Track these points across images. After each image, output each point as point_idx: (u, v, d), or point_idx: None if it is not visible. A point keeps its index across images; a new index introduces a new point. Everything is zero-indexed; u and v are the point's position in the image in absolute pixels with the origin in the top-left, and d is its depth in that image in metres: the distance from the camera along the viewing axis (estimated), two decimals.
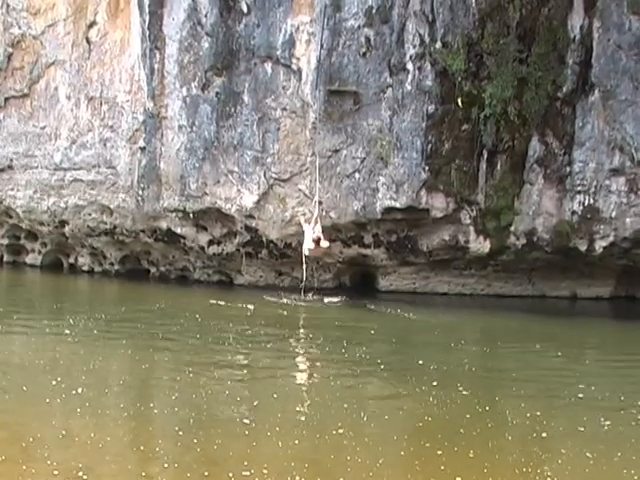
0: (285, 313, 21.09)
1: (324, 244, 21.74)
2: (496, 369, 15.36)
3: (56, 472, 8.32)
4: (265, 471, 8.63)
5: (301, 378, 14.07)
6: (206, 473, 8.47)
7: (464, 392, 12.72)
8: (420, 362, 14.97)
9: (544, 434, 10.49)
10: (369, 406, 12.00)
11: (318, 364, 15.47)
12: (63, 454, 8.94)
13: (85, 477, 8.24)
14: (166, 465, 8.70)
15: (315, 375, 14.32)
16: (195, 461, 8.90)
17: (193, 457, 9.02)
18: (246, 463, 8.80)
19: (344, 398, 12.22)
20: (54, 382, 12.22)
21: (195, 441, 9.57)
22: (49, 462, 8.64)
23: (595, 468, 9.20)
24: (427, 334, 18.58)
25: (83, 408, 10.76)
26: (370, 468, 8.85)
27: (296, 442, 9.92)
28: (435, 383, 13.24)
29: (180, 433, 9.87)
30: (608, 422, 11.06)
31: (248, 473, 8.49)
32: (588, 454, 9.65)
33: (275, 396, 12.29)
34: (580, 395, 12.79)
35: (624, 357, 16.80)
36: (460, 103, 22.79)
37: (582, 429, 10.82)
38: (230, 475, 8.41)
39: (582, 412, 11.72)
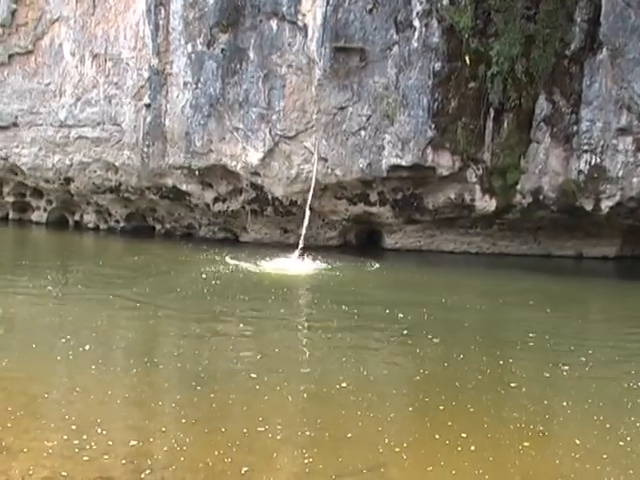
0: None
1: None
2: (478, 322, 15.63)
3: (74, 427, 8.41)
4: (279, 427, 8.74)
5: (295, 333, 14.14)
6: (223, 429, 8.58)
7: (435, 340, 13.08)
8: (401, 315, 15.17)
9: (519, 384, 10.79)
10: (365, 359, 12.13)
11: (306, 319, 15.71)
12: (79, 410, 9.00)
13: (104, 432, 8.33)
14: (184, 420, 8.82)
15: (306, 330, 14.49)
16: (212, 416, 8.99)
17: (209, 412, 9.10)
18: (261, 418, 8.91)
19: (339, 351, 12.40)
20: (63, 340, 12.22)
21: (212, 396, 9.68)
22: (67, 417, 8.72)
23: (573, 416, 9.54)
24: (426, 291, 18.65)
25: (96, 365, 10.82)
26: (380, 423, 8.95)
27: (304, 396, 10.05)
28: (406, 332, 13.73)
29: (198, 388, 9.98)
30: (566, 367, 11.66)
31: (263, 429, 8.60)
32: (564, 403, 10.01)
33: (276, 350, 12.47)
34: (531, 344, 13.29)
35: (612, 314, 17.04)
36: (468, 60, 22.65)
37: (547, 375, 11.34)
38: (245, 431, 8.53)
39: (544, 360, 12.20)
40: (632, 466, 7.93)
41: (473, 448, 8.22)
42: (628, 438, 8.71)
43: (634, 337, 14.30)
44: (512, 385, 10.67)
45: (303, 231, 23.70)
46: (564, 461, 8.04)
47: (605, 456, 8.16)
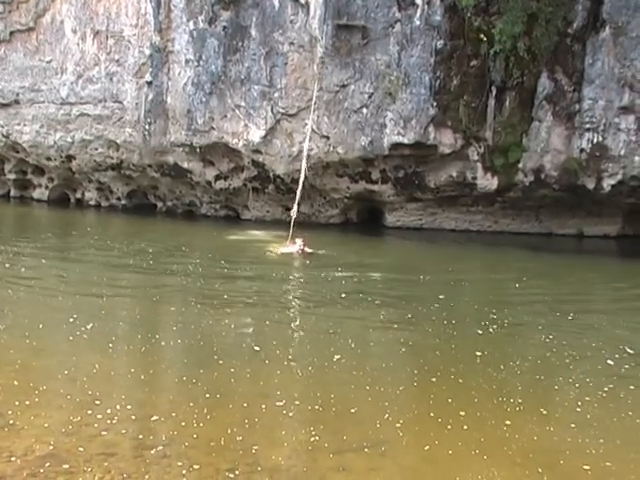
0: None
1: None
2: (453, 299, 15.71)
3: (98, 402, 8.51)
4: (297, 402, 8.90)
5: (280, 305, 14.27)
6: (245, 404, 8.68)
7: (409, 315, 13.49)
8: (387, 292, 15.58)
9: (487, 353, 11.15)
10: (351, 331, 12.34)
11: (289, 292, 15.91)
12: (101, 386, 9.08)
13: (129, 407, 8.44)
14: (207, 395, 8.91)
15: (291, 302, 14.79)
16: (234, 392, 9.10)
17: (231, 388, 9.22)
18: (279, 393, 9.08)
19: (323, 323, 12.72)
20: (71, 319, 12.17)
21: (232, 370, 9.82)
22: (90, 392, 8.82)
23: (524, 379, 10.05)
24: (420, 267, 18.86)
25: (113, 344, 10.89)
26: (385, 399, 9.04)
27: (310, 369, 10.15)
28: (376, 306, 14.18)
29: (220, 362, 10.13)
30: (494, 326, 12.69)
31: (281, 403, 8.75)
32: (510, 362, 10.70)
33: (267, 323, 12.67)
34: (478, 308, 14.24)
35: (589, 290, 17.37)
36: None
37: (480, 332, 12.26)
38: (263, 407, 8.64)
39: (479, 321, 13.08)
40: (601, 435, 8.22)
41: (465, 427, 8.30)
42: (579, 402, 9.10)
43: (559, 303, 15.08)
44: (477, 354, 10.96)
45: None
46: (543, 435, 8.19)
47: (573, 425, 8.46)
